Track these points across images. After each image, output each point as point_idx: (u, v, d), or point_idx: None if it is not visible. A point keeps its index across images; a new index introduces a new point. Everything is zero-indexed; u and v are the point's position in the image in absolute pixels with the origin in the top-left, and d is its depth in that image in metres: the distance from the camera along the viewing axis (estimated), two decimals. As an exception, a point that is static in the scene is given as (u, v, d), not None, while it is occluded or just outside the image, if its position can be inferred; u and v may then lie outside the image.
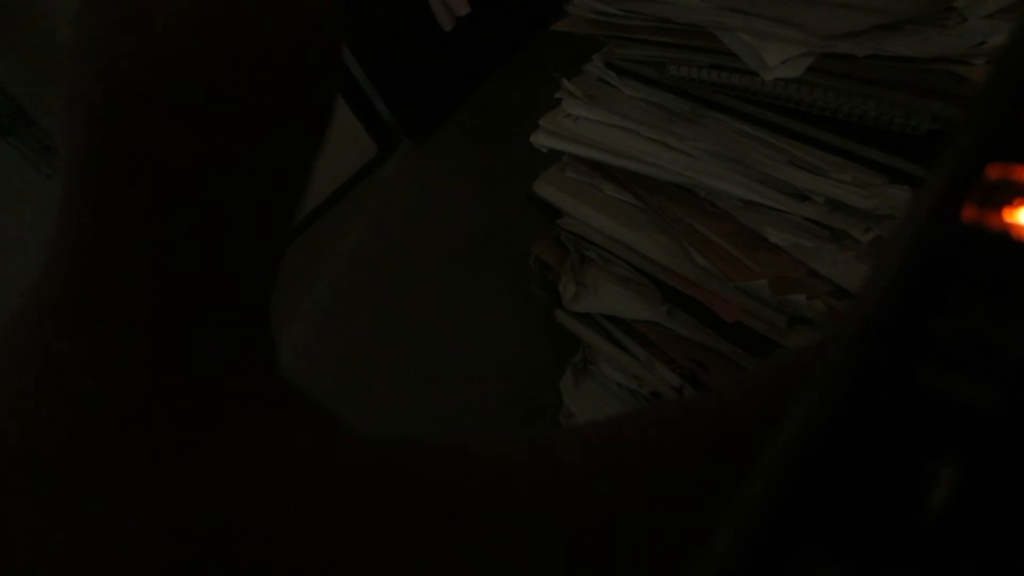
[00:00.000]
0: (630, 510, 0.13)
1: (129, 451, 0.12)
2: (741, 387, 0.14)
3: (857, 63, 0.49)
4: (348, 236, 1.28)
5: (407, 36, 1.33)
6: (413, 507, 0.12)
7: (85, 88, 0.12)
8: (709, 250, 0.62)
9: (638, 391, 0.83)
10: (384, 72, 1.31)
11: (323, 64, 0.14)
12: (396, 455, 0.13)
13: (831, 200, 0.55)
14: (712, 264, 0.61)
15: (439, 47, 1.33)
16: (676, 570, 0.13)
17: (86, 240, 0.12)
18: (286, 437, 0.13)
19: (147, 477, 0.12)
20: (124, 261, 0.12)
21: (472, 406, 1.13)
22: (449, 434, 0.14)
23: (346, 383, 1.17)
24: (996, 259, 0.07)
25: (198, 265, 0.13)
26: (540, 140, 0.73)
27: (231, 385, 0.13)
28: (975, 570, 0.07)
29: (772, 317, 0.60)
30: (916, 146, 0.50)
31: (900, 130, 0.51)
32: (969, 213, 0.08)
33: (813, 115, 0.55)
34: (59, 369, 0.12)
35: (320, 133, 0.14)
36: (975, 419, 0.07)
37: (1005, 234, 0.07)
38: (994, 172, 0.07)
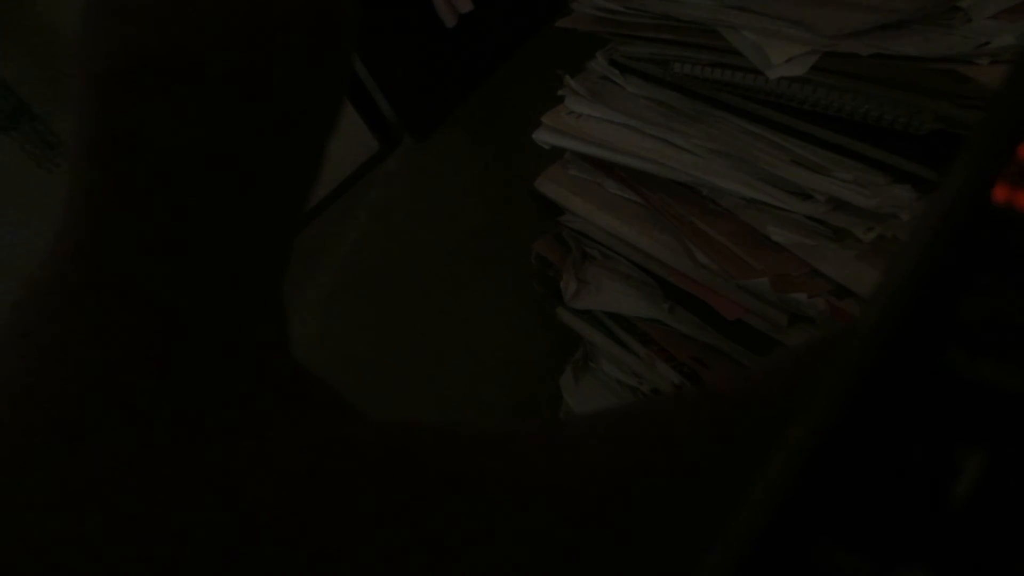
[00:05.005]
0: (642, 499, 0.13)
1: (136, 435, 0.12)
2: (757, 373, 0.14)
3: (861, 62, 0.49)
4: (349, 232, 1.28)
5: (409, 32, 1.33)
6: (424, 491, 0.12)
7: (95, 60, 0.12)
8: (711, 248, 0.62)
9: (638, 388, 0.83)
10: (386, 68, 1.30)
11: (338, 40, 0.13)
12: (408, 440, 0.13)
13: (833, 199, 0.55)
14: (714, 262, 0.61)
15: (441, 44, 1.33)
16: (689, 560, 0.13)
17: (93, 216, 0.12)
18: (298, 419, 0.13)
19: (155, 462, 0.12)
20: (132, 237, 0.12)
21: (472, 402, 1.13)
22: (458, 421, 0.14)
23: (345, 377, 1.16)
24: None
25: (208, 243, 0.13)
26: (542, 137, 0.73)
27: (242, 366, 0.13)
28: (1001, 562, 0.06)
29: (773, 315, 0.60)
30: (919, 145, 0.50)
31: (903, 129, 0.51)
32: (1000, 193, 0.07)
33: (816, 114, 0.55)
34: (61, 352, 0.12)
35: (333, 113, 0.14)
36: (1004, 405, 0.07)
37: None
38: None
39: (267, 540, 0.12)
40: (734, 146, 0.60)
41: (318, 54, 0.13)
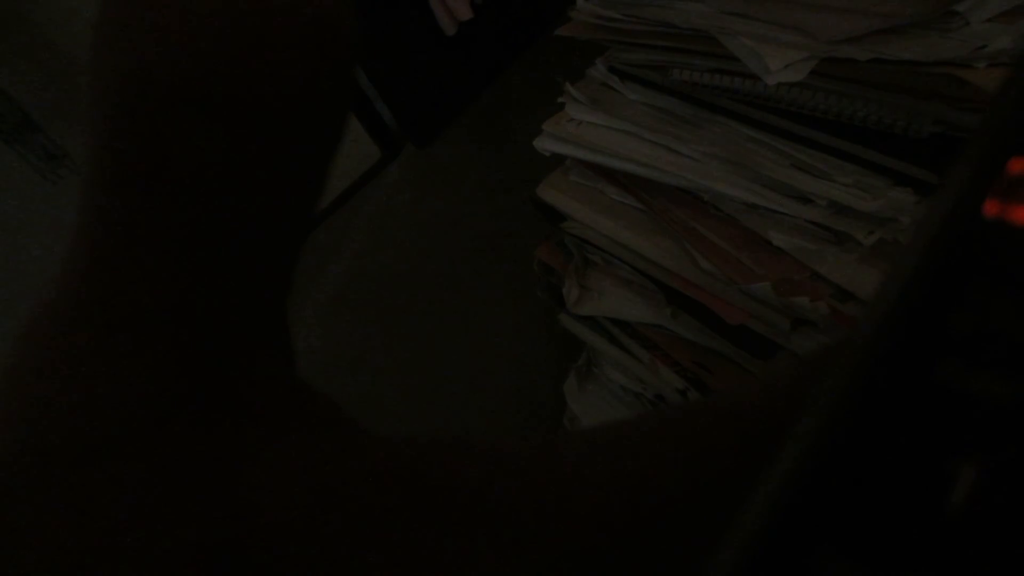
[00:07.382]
0: (643, 511, 0.13)
1: (147, 455, 0.12)
2: (755, 387, 0.14)
3: (859, 67, 0.49)
4: (351, 240, 1.28)
5: (409, 41, 1.33)
6: (427, 506, 0.13)
7: (107, 84, 0.13)
8: (712, 253, 0.62)
9: (642, 394, 0.83)
10: (387, 77, 1.31)
11: (340, 61, 0.14)
12: (411, 455, 0.13)
13: (834, 203, 0.55)
14: (715, 267, 0.61)
15: (442, 52, 1.33)
16: (689, 570, 0.13)
17: (104, 238, 0.12)
18: (304, 437, 0.13)
19: (166, 481, 0.12)
20: (142, 259, 0.12)
21: (476, 409, 1.13)
22: (460, 434, 0.14)
23: (348, 387, 1.17)
24: (1018, 254, 0.07)
25: (216, 263, 0.13)
26: (543, 144, 0.73)
27: (249, 385, 0.13)
28: (995, 569, 0.06)
29: (775, 319, 0.60)
30: (918, 149, 0.51)
31: (902, 133, 0.51)
32: (991, 208, 0.07)
33: (815, 118, 0.55)
34: (75, 374, 0.12)
35: (337, 130, 0.15)
36: (996, 416, 0.07)
37: None
38: (1017, 167, 0.07)
39: (274, 552, 0.12)
40: (734, 151, 0.60)
41: (322, 73, 0.13)
